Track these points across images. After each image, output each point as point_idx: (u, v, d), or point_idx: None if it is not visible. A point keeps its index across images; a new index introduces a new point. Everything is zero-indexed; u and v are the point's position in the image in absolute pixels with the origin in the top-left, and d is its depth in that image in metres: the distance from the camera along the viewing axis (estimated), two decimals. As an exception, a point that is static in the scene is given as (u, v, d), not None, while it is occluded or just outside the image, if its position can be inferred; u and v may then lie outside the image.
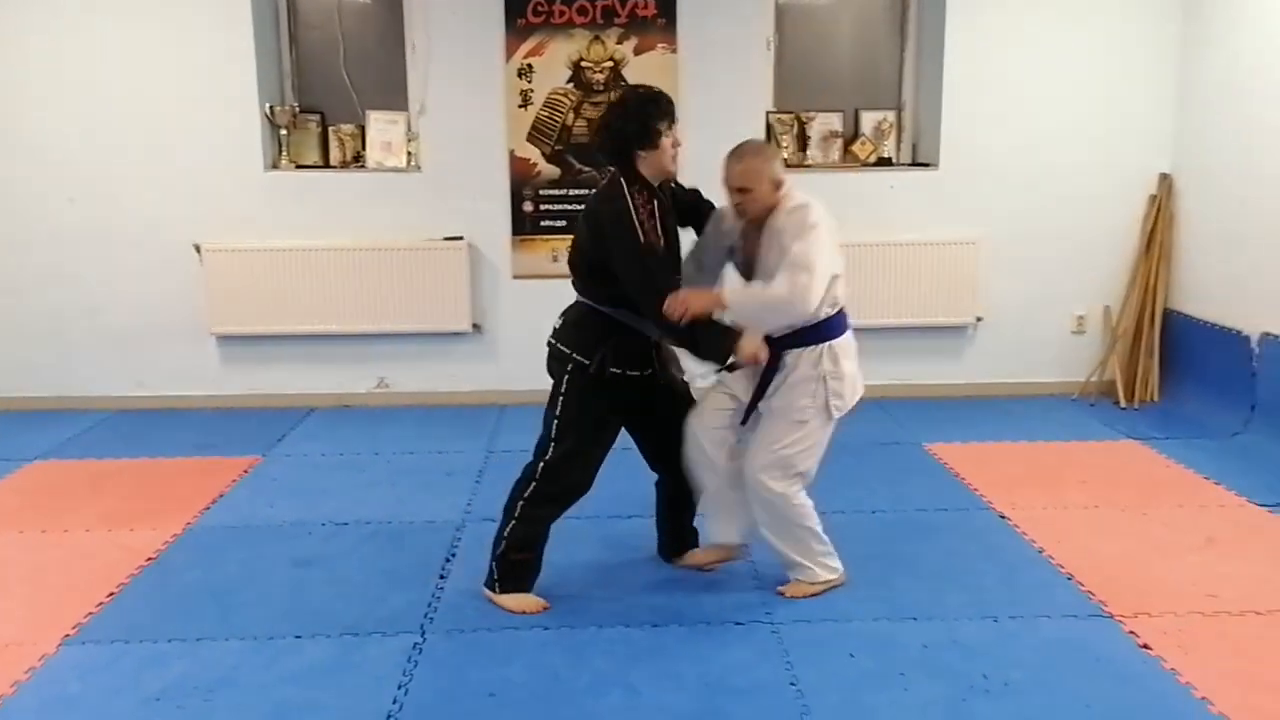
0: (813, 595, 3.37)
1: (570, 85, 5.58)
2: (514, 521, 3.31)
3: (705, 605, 3.34)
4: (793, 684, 2.86)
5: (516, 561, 3.32)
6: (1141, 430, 5.19)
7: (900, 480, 4.52)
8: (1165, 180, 5.72)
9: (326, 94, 5.86)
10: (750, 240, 3.28)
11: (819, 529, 3.38)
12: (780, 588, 3.41)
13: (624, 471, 4.66)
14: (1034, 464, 4.71)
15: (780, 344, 3.22)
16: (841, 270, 3.22)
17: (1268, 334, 4.95)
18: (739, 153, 3.19)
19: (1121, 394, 5.68)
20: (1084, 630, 3.14)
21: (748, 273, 3.33)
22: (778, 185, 3.17)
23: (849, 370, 3.30)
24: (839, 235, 3.19)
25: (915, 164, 5.90)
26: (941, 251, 5.69)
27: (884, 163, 5.85)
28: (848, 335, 3.35)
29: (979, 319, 5.73)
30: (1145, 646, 3.04)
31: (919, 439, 5.09)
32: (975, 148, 5.61)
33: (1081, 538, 3.83)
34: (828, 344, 3.25)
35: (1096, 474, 4.55)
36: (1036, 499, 4.23)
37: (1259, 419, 4.96)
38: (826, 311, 3.21)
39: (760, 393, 3.29)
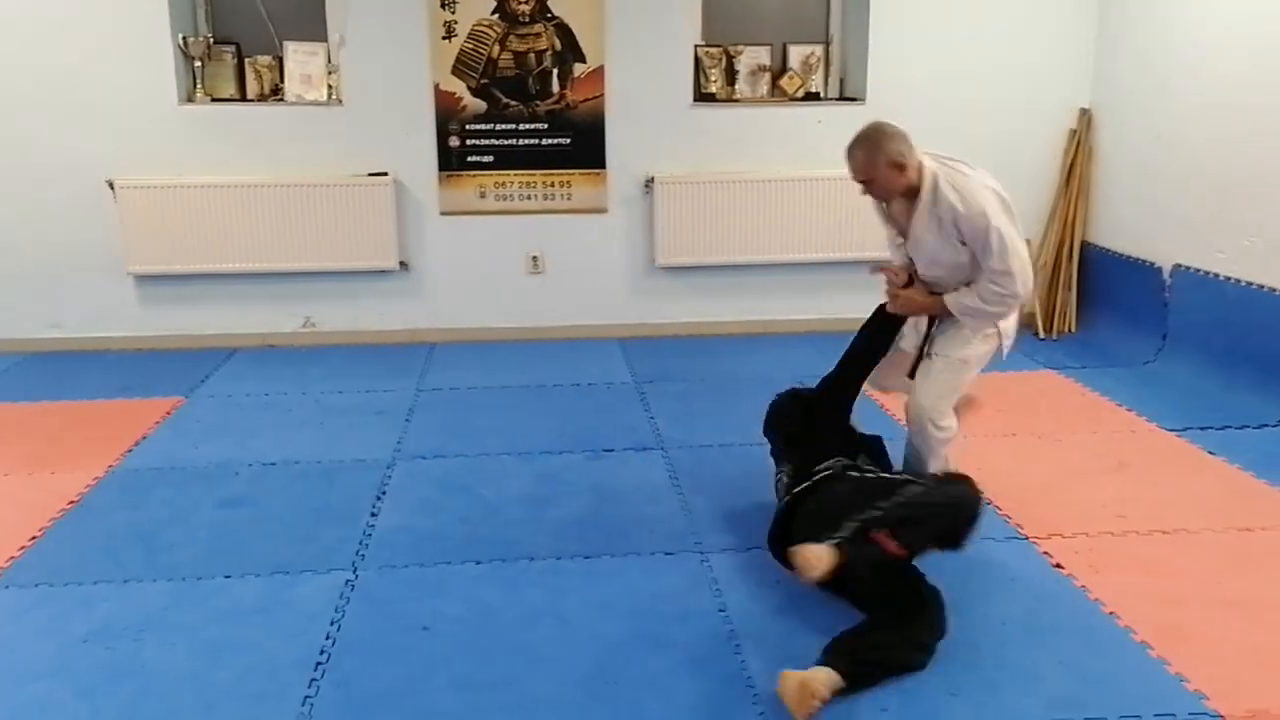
0: None
1: (495, 16, 5.47)
2: None
3: (636, 537, 3.39)
4: (721, 610, 2.92)
5: None
6: (1059, 360, 5.33)
7: (827, 412, 4.60)
8: (1085, 115, 5.82)
9: (242, 25, 5.67)
10: (896, 210, 3.31)
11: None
12: None
13: (556, 407, 4.71)
14: (956, 394, 4.82)
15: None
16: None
17: (1179, 265, 5.11)
18: (850, 147, 3.16)
19: (1041, 325, 5.83)
20: (1001, 552, 3.26)
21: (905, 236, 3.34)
22: (900, 167, 3.11)
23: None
24: (1001, 199, 3.16)
25: (843, 98, 5.92)
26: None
27: (812, 97, 5.86)
28: None
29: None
30: (1058, 566, 3.16)
31: (845, 371, 5.17)
32: (901, 83, 5.64)
33: (1000, 464, 3.95)
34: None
35: (1015, 403, 4.68)
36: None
37: (1170, 348, 5.13)
38: None
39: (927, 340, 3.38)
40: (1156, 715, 2.42)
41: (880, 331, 3.51)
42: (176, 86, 5.41)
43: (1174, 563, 3.14)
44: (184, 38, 5.42)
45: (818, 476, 3.09)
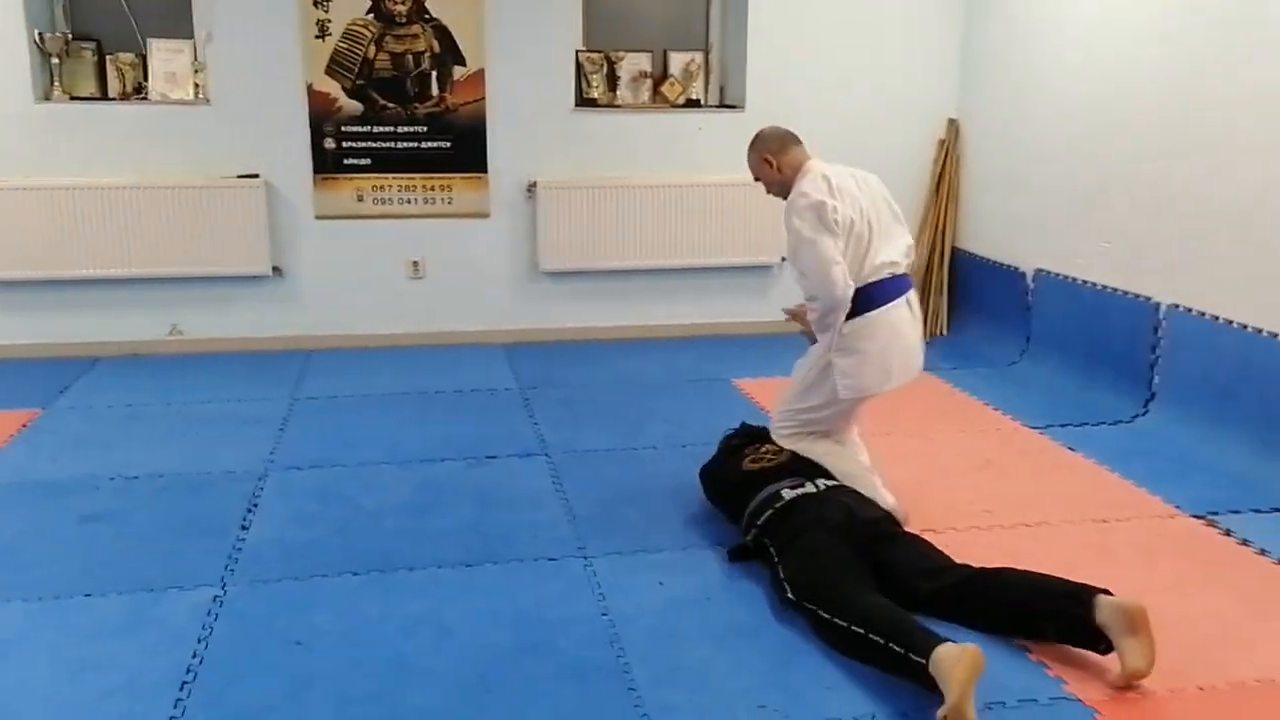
0: None
1: (370, 16, 5.38)
2: None
3: (519, 543, 3.36)
4: (604, 614, 2.92)
5: None
6: (932, 362, 5.43)
7: (710, 415, 4.63)
8: (953, 125, 6.03)
9: (102, 20, 5.44)
10: None
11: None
12: None
13: (438, 414, 4.65)
14: (833, 396, 4.93)
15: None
16: (848, 248, 3.22)
17: (1041, 270, 5.33)
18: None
19: (913, 328, 6.00)
20: (876, 549, 3.33)
21: None
22: (769, 163, 3.36)
23: (870, 349, 3.29)
24: (848, 203, 3.22)
25: (723, 106, 6.01)
26: (748, 192, 5.77)
27: (693, 104, 5.93)
28: (875, 313, 3.28)
29: (783, 259, 5.91)
30: (930, 561, 3.25)
31: (727, 374, 5.25)
32: (779, 92, 5.75)
33: (874, 462, 4.04)
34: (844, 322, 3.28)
35: (888, 403, 4.71)
36: (835, 429, 4.44)
37: (1033, 348, 5.35)
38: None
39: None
40: (1020, 700, 2.51)
41: None
42: (33, 84, 5.17)
43: (1036, 554, 3.26)
44: (40, 34, 5.18)
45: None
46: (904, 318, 3.36)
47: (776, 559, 3.01)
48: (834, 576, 2.80)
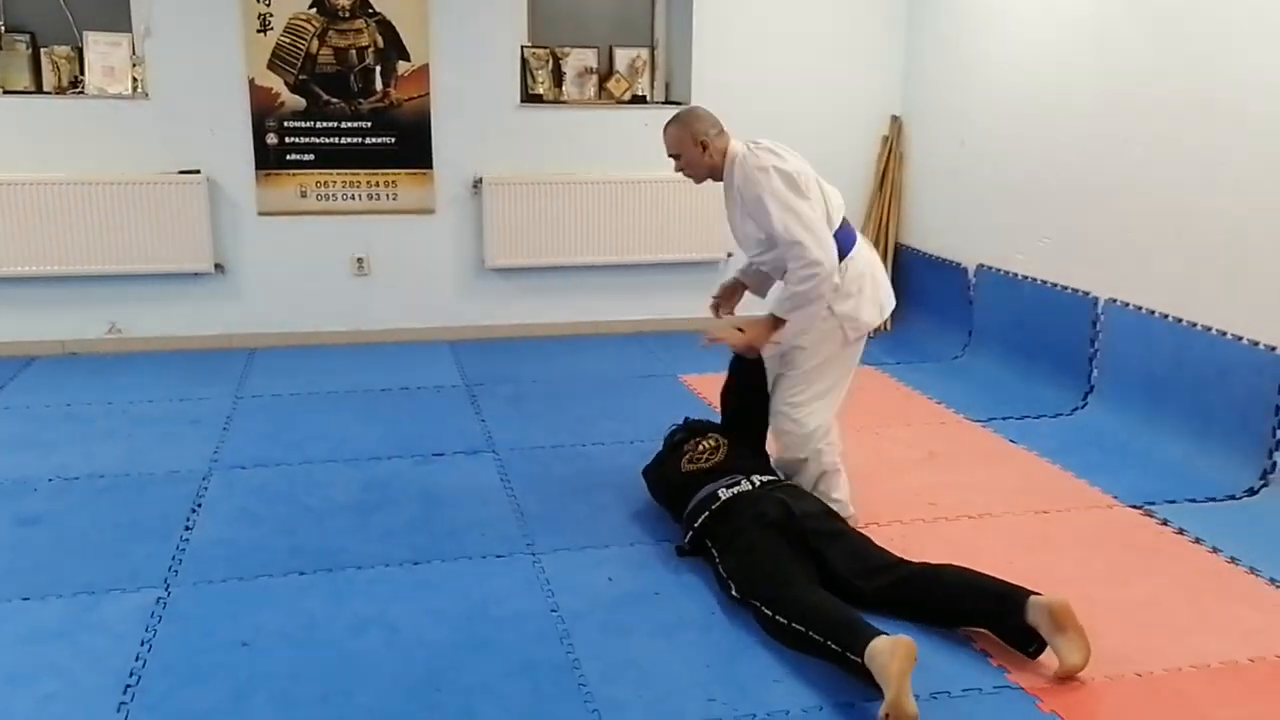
0: None
1: (313, 11, 5.31)
2: None
3: (467, 540, 3.35)
4: (554, 610, 2.92)
5: None
6: (876, 357, 5.56)
7: (657, 411, 4.63)
8: (896, 122, 6.11)
9: (37, 13, 5.30)
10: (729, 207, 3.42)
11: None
12: None
13: (384, 412, 4.61)
14: (780, 391, 4.97)
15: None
16: (823, 210, 3.25)
17: (982, 265, 5.42)
18: (666, 124, 3.35)
19: (859, 324, 6.07)
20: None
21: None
22: (703, 145, 3.27)
23: (864, 288, 3.34)
24: (800, 163, 3.27)
25: (669, 102, 6.02)
26: (693, 189, 5.69)
27: (638, 100, 5.93)
28: (851, 255, 3.34)
29: (729, 255, 5.94)
30: (875, 553, 3.30)
31: (674, 370, 5.27)
32: (724, 88, 5.75)
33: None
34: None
35: (836, 398, 4.85)
36: (782, 423, 4.47)
37: (975, 343, 5.44)
38: None
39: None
40: (964, 690, 2.56)
41: (744, 370, 3.52)
42: (-39, 76, 5.04)
43: (979, 545, 3.33)
44: (-30, 24, 5.05)
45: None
46: (871, 254, 3.49)
47: (717, 558, 3.03)
48: (771, 573, 2.83)
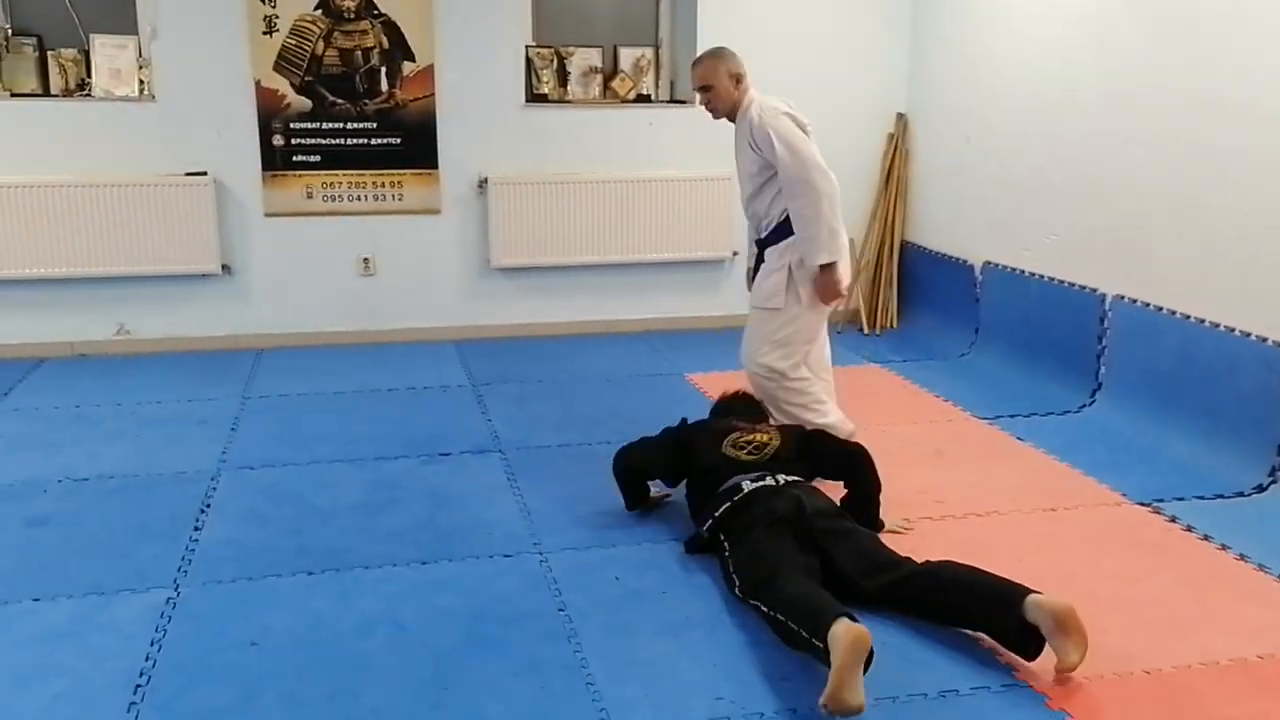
0: None
1: (319, 12, 5.32)
2: None
3: (473, 540, 3.36)
4: (561, 610, 2.93)
5: None
6: (882, 354, 5.57)
7: (664, 409, 4.63)
8: (901, 120, 6.10)
9: (44, 15, 5.33)
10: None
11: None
12: None
13: (391, 411, 4.62)
14: (786, 389, 4.96)
15: (763, 244, 3.84)
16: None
17: (989, 262, 5.41)
18: (698, 57, 3.81)
19: (865, 322, 6.08)
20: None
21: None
22: (737, 80, 3.72)
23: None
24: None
25: (673, 101, 6.02)
26: (699, 188, 5.86)
27: (643, 99, 5.93)
28: None
29: (734, 253, 5.94)
30: (883, 551, 3.29)
31: (680, 369, 5.27)
32: (729, 86, 5.77)
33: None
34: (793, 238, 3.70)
35: (841, 396, 4.79)
36: (788, 422, 4.47)
37: (982, 340, 5.43)
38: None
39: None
40: (973, 688, 2.56)
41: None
42: (-31, 79, 5.06)
43: (987, 543, 3.32)
44: (-23, 28, 5.07)
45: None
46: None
47: (727, 553, 3.03)
48: (771, 569, 2.81)
